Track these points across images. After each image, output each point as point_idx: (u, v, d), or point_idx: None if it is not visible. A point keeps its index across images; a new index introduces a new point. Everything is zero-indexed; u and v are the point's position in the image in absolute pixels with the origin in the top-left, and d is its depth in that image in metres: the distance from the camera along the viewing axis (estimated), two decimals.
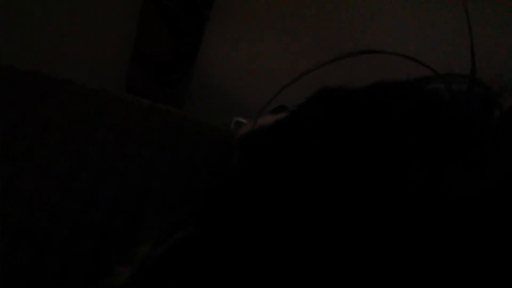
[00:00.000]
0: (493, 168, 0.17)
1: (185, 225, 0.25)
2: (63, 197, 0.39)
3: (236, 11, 0.87)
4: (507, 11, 0.75)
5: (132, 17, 0.86)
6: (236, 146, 0.44)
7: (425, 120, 0.19)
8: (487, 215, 0.16)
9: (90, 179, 0.41)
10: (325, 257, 0.17)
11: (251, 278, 0.19)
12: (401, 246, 0.16)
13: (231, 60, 0.94)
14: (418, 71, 0.21)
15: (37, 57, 0.90)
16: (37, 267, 0.34)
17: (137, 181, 0.43)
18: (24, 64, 0.51)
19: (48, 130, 0.44)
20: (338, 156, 0.19)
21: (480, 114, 0.19)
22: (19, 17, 0.88)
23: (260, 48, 0.92)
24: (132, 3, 0.84)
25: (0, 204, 0.36)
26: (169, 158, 0.46)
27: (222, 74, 0.97)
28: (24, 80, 0.49)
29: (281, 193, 0.20)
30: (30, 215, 0.37)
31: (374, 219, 0.17)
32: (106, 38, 0.92)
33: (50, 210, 0.37)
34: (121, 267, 0.30)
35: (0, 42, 0.90)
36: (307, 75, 0.23)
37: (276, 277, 0.18)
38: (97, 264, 0.35)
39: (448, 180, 0.17)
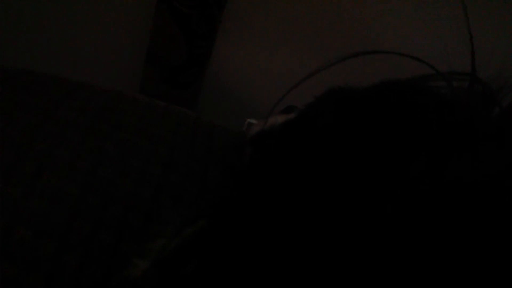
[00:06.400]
0: (493, 161, 0.17)
1: (198, 220, 0.26)
2: (83, 193, 0.40)
3: (248, 15, 0.88)
4: (507, 8, 0.75)
5: (146, 21, 0.87)
6: (247, 145, 0.45)
7: (429, 117, 0.20)
8: (487, 204, 0.17)
9: (108, 176, 0.42)
10: (335, 251, 0.18)
11: (260, 272, 0.19)
12: (407, 234, 0.17)
13: (243, 62, 0.95)
14: (420, 68, 0.21)
15: (54, 61, 0.92)
16: (58, 260, 0.35)
17: (153, 178, 0.44)
18: (43, 68, 0.53)
19: (68, 129, 0.45)
20: (346, 154, 0.20)
21: (480, 111, 0.19)
22: (38, 23, 0.91)
23: (271, 50, 0.93)
24: (146, 7, 0.86)
25: (25, 200, 0.38)
26: (184, 156, 0.47)
27: (234, 76, 0.98)
28: (44, 83, 0.50)
29: (291, 191, 0.21)
30: (52, 210, 0.38)
31: (380, 211, 0.18)
32: (121, 42, 0.94)
33: (71, 205, 0.39)
34: (138, 260, 0.31)
35: (19, 47, 0.93)
36: (315, 76, 0.24)
37: (284, 272, 0.19)
38: (115, 257, 0.37)
39: (450, 172, 0.17)
